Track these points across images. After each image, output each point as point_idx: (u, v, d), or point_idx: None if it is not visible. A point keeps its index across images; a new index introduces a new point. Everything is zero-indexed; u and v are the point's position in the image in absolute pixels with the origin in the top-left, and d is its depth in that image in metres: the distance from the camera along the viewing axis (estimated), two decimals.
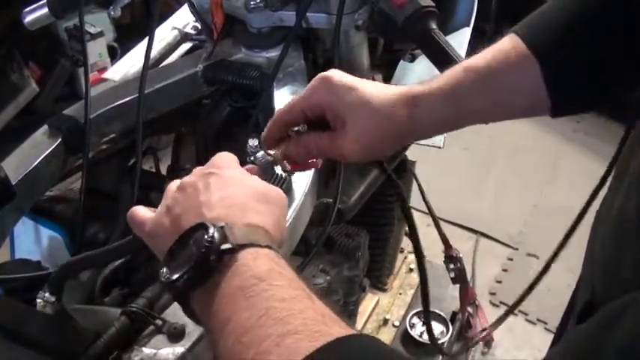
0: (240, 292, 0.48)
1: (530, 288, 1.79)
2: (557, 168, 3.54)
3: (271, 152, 0.68)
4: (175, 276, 0.51)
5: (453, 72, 0.71)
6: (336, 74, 0.71)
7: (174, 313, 0.71)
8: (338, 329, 0.45)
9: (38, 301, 0.73)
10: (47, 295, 0.71)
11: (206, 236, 0.50)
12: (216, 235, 0.50)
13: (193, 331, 0.69)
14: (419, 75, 1.25)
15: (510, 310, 1.93)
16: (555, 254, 1.59)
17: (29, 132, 1.04)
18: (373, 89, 0.70)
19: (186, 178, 0.60)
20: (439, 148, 1.07)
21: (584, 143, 3.78)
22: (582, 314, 0.61)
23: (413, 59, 1.14)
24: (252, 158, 0.68)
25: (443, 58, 0.94)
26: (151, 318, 0.69)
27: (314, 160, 0.75)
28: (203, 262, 0.49)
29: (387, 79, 1.28)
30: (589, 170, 3.52)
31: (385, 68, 1.33)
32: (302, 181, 0.87)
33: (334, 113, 0.69)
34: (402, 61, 1.23)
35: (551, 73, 0.67)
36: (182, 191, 0.58)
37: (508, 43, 0.70)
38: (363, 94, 0.69)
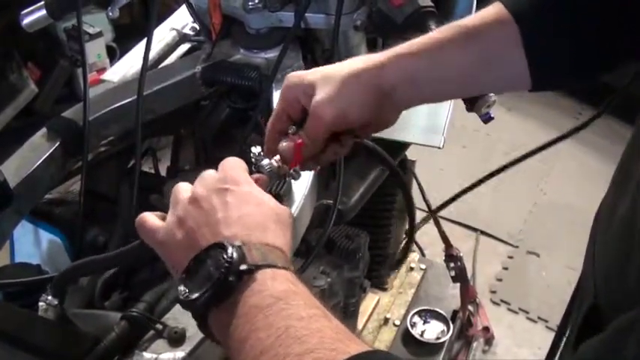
0: (258, 311, 0.48)
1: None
2: (557, 165, 3.54)
3: (276, 159, 0.68)
4: (195, 295, 0.51)
5: (430, 33, 0.70)
6: (302, 71, 0.72)
7: (175, 317, 0.71)
8: (355, 347, 0.46)
9: (41, 304, 0.73)
10: (50, 298, 0.71)
11: (225, 256, 0.50)
12: (234, 255, 0.50)
13: (194, 335, 0.69)
14: None
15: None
16: None
17: (28, 133, 1.04)
18: (337, 65, 0.70)
19: (199, 190, 0.58)
20: (439, 148, 1.07)
21: (583, 140, 3.78)
22: (587, 318, 0.61)
23: None
24: (257, 167, 0.67)
25: None
26: (151, 322, 0.69)
27: None
28: (222, 282, 0.50)
29: None
30: (589, 167, 3.53)
31: None
32: (302, 182, 0.87)
33: (307, 97, 0.68)
34: None
35: (531, 40, 0.65)
36: (196, 205, 0.57)
37: (492, 9, 0.68)
38: (327, 69, 0.69)
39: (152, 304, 0.77)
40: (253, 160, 0.66)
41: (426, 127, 1.12)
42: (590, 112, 4.06)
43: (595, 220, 0.75)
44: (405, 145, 1.16)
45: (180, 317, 0.71)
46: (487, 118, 0.94)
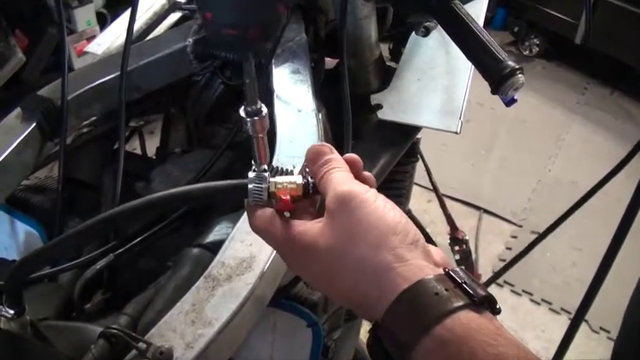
0: None
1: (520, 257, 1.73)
2: (561, 141, 3.46)
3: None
4: None
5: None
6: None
7: (161, 333, 0.62)
8: None
9: None
10: (4, 308, 0.61)
11: None
12: None
13: (182, 356, 0.60)
14: (431, 50, 1.14)
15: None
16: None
17: (16, 103, 0.94)
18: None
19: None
20: (456, 133, 0.97)
21: (588, 115, 3.69)
22: None
23: (427, 33, 1.03)
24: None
25: (462, 32, 0.83)
26: (133, 341, 0.60)
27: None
28: None
29: (397, 54, 1.17)
30: (593, 143, 3.45)
31: (395, 42, 1.22)
32: None
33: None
34: (413, 34, 1.12)
35: None
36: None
37: None
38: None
39: (135, 318, 0.69)
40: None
41: (441, 110, 1.02)
42: (596, 87, 4.00)
43: None
44: (417, 128, 1.06)
45: (166, 334, 0.62)
46: (511, 101, 0.85)
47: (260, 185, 0.55)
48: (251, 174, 0.56)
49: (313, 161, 0.55)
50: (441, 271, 0.48)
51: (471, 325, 0.44)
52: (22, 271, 0.59)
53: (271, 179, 0.56)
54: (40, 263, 0.64)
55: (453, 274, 0.47)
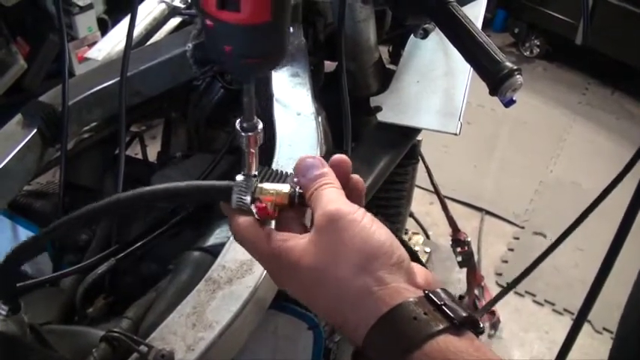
0: None
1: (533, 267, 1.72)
2: (563, 142, 3.45)
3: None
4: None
5: None
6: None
7: (162, 336, 0.62)
8: None
9: None
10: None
11: None
12: None
13: (183, 359, 0.60)
14: (430, 52, 1.14)
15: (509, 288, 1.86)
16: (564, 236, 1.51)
17: (17, 110, 0.95)
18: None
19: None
20: (455, 134, 0.97)
21: (589, 116, 3.68)
22: None
23: (425, 35, 1.04)
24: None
25: (460, 34, 0.83)
26: (134, 344, 0.60)
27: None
28: None
29: (396, 57, 1.17)
30: (595, 144, 3.44)
31: (394, 45, 1.22)
32: None
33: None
34: (412, 37, 1.13)
35: None
36: None
37: None
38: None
39: (136, 322, 0.69)
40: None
41: (440, 111, 1.02)
42: (597, 87, 3.99)
43: None
44: (417, 130, 1.07)
45: (167, 337, 0.62)
46: (510, 102, 0.85)
47: (244, 189, 0.55)
48: (239, 177, 0.56)
49: (304, 174, 0.55)
50: (421, 293, 0.47)
51: (449, 349, 0.44)
52: (14, 261, 0.59)
53: (259, 185, 0.56)
54: (29, 254, 0.63)
55: (433, 296, 0.47)
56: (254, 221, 0.54)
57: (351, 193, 0.55)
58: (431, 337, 0.44)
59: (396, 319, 0.46)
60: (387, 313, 0.46)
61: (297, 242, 0.52)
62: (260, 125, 0.55)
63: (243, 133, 0.54)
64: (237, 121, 0.54)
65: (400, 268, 0.48)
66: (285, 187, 0.55)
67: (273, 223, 0.56)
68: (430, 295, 0.47)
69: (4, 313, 0.59)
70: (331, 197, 0.52)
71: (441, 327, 0.45)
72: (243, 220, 0.55)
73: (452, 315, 0.45)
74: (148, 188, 0.57)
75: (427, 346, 0.44)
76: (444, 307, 0.46)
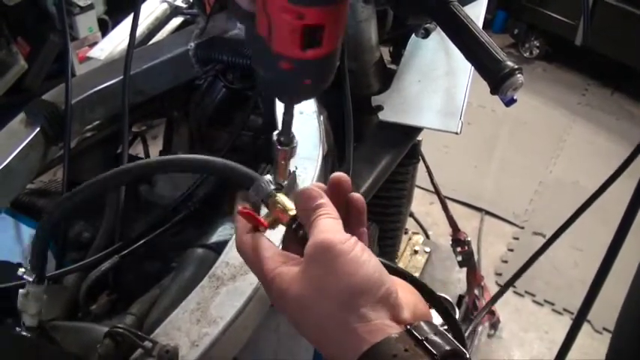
0: None
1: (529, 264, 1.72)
2: (563, 142, 3.46)
3: None
4: None
5: None
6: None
7: (166, 332, 0.63)
8: None
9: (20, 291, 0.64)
10: (28, 271, 0.62)
11: None
12: None
13: (187, 354, 0.60)
14: (431, 52, 1.15)
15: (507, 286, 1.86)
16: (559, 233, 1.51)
17: (18, 110, 0.96)
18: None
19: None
20: (456, 133, 0.97)
21: (589, 116, 3.69)
22: None
23: (426, 35, 1.04)
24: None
25: (462, 33, 0.84)
26: (139, 340, 0.60)
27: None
28: None
29: (397, 57, 1.18)
30: (595, 144, 3.45)
31: (395, 45, 1.23)
32: (309, 174, 0.79)
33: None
34: (413, 36, 1.13)
35: None
36: None
37: None
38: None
39: (140, 318, 0.69)
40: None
41: (441, 110, 1.02)
42: (597, 88, 4.00)
43: None
44: (418, 129, 1.07)
45: (171, 332, 0.63)
46: (510, 101, 0.86)
47: (263, 189, 0.57)
48: (268, 176, 0.58)
49: (302, 206, 0.54)
50: (403, 329, 0.47)
51: None
52: (50, 222, 0.61)
53: (277, 194, 0.57)
54: (64, 214, 0.64)
55: (415, 331, 0.46)
56: (257, 239, 0.54)
57: (350, 212, 0.55)
58: None
59: (377, 356, 0.45)
60: (367, 351, 0.45)
61: (289, 270, 0.51)
62: (296, 141, 0.56)
63: (279, 147, 0.56)
64: (275, 133, 0.56)
65: (385, 303, 0.47)
66: (293, 210, 0.56)
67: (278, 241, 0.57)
68: (412, 330, 0.46)
69: (30, 279, 0.60)
70: (324, 227, 0.51)
71: None
72: (247, 237, 0.55)
73: (433, 351, 0.45)
74: (181, 156, 0.60)
75: None
76: (424, 342, 0.45)
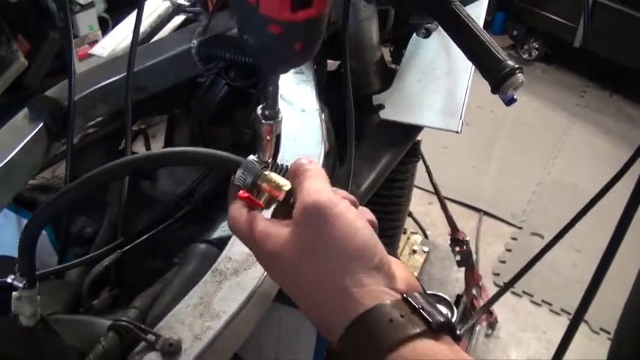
0: None
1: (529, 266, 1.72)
2: (561, 144, 3.47)
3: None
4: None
5: None
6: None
7: (169, 325, 0.63)
8: None
9: (14, 294, 0.61)
10: (17, 277, 0.59)
11: None
12: None
13: (190, 347, 0.61)
14: (432, 51, 1.16)
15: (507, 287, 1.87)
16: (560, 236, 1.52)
17: (18, 108, 0.95)
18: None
19: None
20: (457, 132, 0.98)
21: (587, 118, 3.70)
22: None
23: (428, 34, 1.05)
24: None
25: (463, 33, 0.85)
26: (142, 333, 0.61)
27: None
28: None
29: (398, 56, 1.18)
30: (593, 145, 3.46)
31: (396, 44, 1.24)
32: None
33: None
34: (414, 36, 1.14)
35: None
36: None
37: None
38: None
39: (143, 311, 0.70)
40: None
41: (442, 109, 1.03)
42: (596, 90, 4.01)
43: None
44: (419, 128, 1.08)
45: (174, 326, 0.63)
46: (511, 100, 0.86)
47: (250, 169, 0.55)
48: (252, 157, 0.56)
49: (293, 176, 0.53)
50: (399, 296, 0.46)
51: (426, 352, 0.43)
52: (36, 224, 0.59)
53: (265, 172, 0.55)
54: (50, 216, 0.62)
55: (411, 300, 0.46)
56: (245, 207, 0.54)
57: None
58: (407, 340, 0.43)
59: (372, 320, 0.45)
60: (362, 314, 0.45)
61: (279, 231, 0.50)
62: (281, 115, 0.55)
63: (263, 121, 0.55)
64: (259, 107, 0.55)
65: (380, 271, 0.47)
66: (287, 184, 0.55)
67: (265, 212, 0.56)
68: (408, 298, 0.46)
69: (20, 285, 0.59)
70: (312, 188, 0.50)
71: (418, 330, 0.44)
72: (235, 205, 0.54)
73: (429, 319, 0.45)
74: (167, 150, 0.58)
75: (402, 349, 0.43)
76: (421, 310, 0.45)
